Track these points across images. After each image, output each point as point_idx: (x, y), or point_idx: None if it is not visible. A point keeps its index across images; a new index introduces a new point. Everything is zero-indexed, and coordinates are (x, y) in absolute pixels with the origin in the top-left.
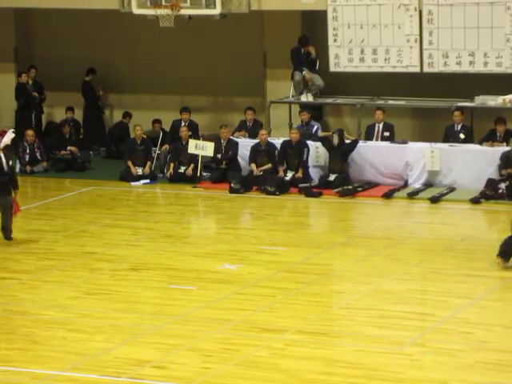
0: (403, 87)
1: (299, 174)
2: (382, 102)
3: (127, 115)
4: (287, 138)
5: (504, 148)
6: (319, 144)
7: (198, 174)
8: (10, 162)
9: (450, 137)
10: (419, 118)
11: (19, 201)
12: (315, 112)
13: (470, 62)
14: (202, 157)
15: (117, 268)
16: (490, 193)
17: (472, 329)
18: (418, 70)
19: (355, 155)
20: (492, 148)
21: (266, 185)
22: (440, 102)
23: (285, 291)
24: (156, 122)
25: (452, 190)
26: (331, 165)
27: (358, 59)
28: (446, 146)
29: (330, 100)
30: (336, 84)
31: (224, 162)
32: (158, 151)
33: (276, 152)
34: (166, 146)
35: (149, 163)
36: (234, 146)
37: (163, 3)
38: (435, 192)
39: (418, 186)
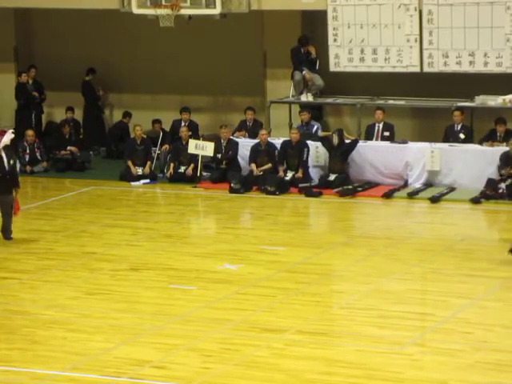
0: (403, 87)
1: (299, 174)
2: (381, 101)
3: (127, 115)
4: (287, 138)
5: (504, 148)
6: (319, 144)
7: (198, 174)
8: (11, 161)
9: (450, 137)
10: (419, 118)
11: (19, 201)
12: (315, 112)
13: (470, 62)
14: (202, 157)
15: (117, 268)
16: (490, 193)
17: (472, 329)
18: (418, 69)
19: (355, 155)
20: (492, 148)
21: (266, 185)
22: (440, 102)
23: (285, 291)
24: (156, 121)
25: (452, 189)
26: (331, 165)
27: (357, 59)
28: (446, 145)
29: (329, 100)
30: (336, 84)
31: (224, 162)
32: (158, 151)
33: (276, 152)
34: (166, 146)
35: (149, 163)
36: (234, 146)
37: (163, 3)
38: (435, 192)
39: (418, 185)
